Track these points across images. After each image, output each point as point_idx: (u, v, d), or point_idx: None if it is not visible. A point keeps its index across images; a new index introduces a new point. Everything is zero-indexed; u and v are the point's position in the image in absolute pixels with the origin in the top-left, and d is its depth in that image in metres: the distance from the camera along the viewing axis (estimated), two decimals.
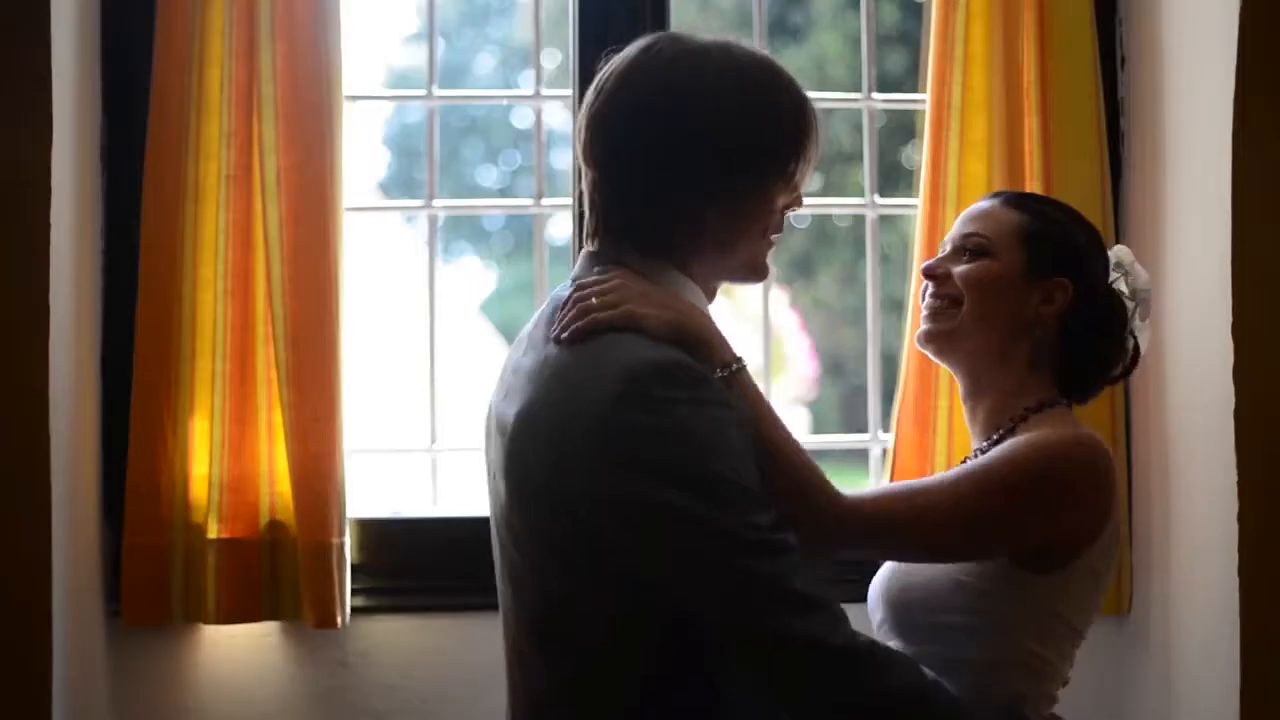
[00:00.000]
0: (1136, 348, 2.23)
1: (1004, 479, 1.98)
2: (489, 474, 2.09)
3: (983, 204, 2.24)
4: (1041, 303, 2.14)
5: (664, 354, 1.87)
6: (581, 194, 2.04)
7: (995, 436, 2.12)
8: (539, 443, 1.90)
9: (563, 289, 2.01)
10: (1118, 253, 2.23)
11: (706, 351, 1.91)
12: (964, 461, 2.11)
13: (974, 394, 2.18)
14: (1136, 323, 2.22)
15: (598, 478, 1.85)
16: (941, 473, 2.21)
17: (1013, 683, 2.02)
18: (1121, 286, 2.21)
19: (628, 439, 1.83)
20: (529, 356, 1.99)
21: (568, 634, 1.93)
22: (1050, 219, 2.19)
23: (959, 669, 2.00)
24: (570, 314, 1.92)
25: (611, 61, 2.02)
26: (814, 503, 1.89)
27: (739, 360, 1.93)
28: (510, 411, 1.96)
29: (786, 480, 1.89)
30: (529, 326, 2.06)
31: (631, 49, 2.01)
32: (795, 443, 1.94)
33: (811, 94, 2.05)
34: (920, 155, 3.20)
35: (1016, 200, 2.23)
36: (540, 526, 1.92)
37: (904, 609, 2.07)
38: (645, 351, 1.87)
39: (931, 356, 2.21)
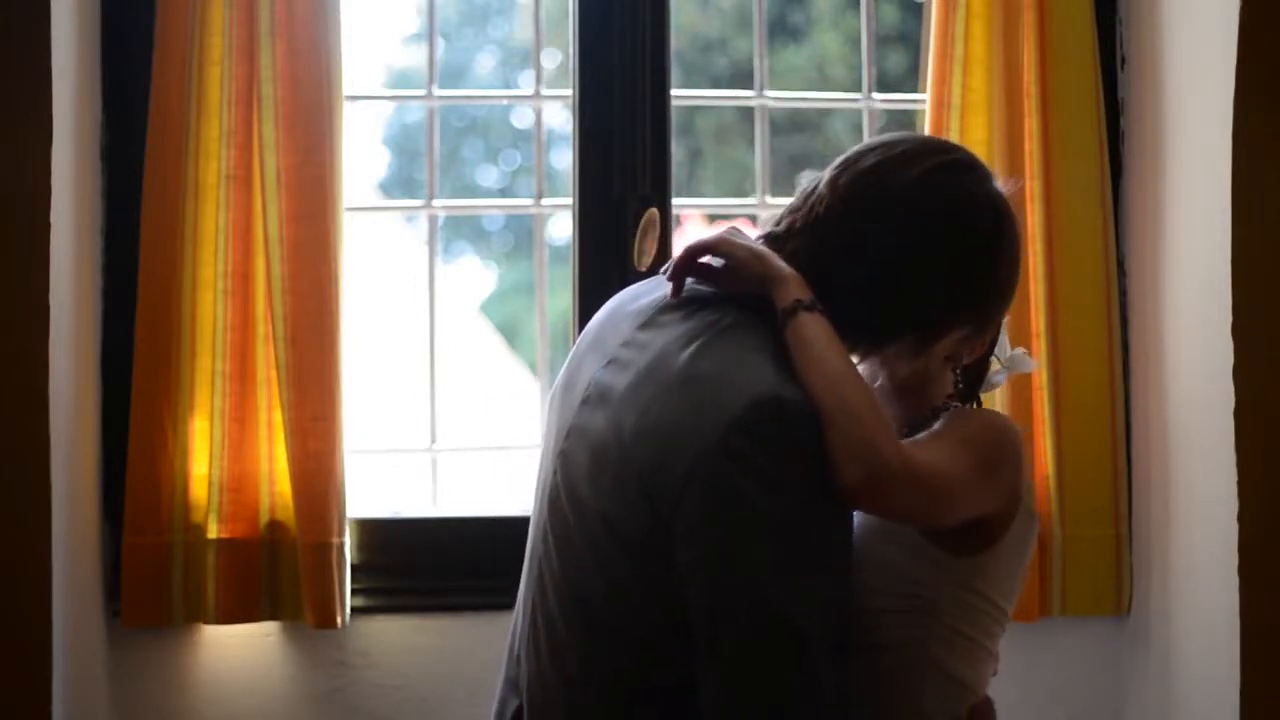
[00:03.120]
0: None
1: (970, 445, 1.99)
2: (555, 434, 2.05)
3: None
4: (968, 350, 2.14)
5: (794, 394, 1.87)
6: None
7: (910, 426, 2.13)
8: (648, 442, 1.88)
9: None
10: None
11: (779, 285, 1.94)
12: None
13: (903, 394, 2.16)
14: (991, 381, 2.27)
15: (688, 490, 1.84)
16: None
17: (943, 661, 2.03)
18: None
19: (730, 466, 1.83)
20: (655, 339, 1.96)
21: (617, 624, 1.92)
22: None
23: (887, 651, 2.02)
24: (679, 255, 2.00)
25: (953, 164, 2.00)
26: (859, 459, 1.86)
27: (810, 303, 1.93)
28: (622, 393, 1.94)
29: (830, 433, 1.87)
30: (648, 299, 2.03)
31: (974, 174, 2.01)
32: (850, 397, 1.89)
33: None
34: None
35: None
36: (617, 513, 1.90)
37: None
38: (777, 388, 1.86)
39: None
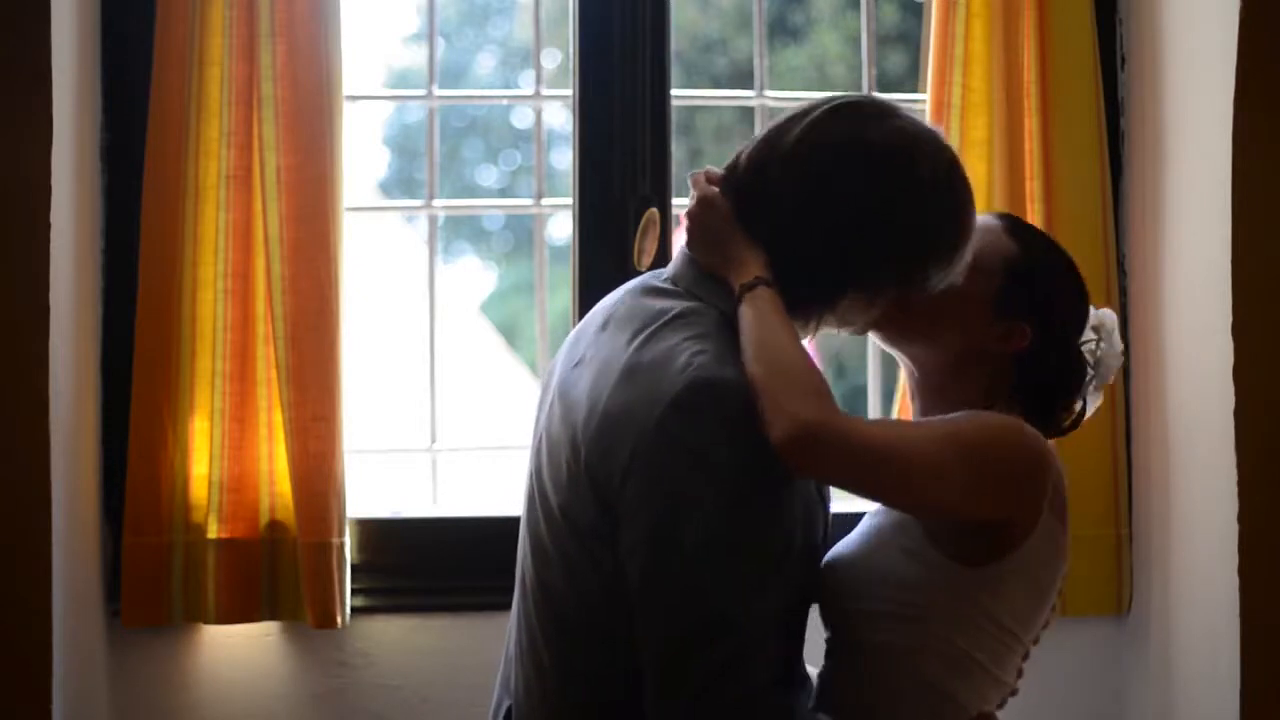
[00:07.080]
0: (1083, 411, 2.20)
1: (957, 433, 1.96)
2: (532, 439, 2.09)
3: (985, 219, 2.15)
4: (998, 339, 2.10)
5: (732, 374, 1.87)
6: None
7: None
8: (596, 435, 1.90)
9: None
10: (1101, 316, 2.20)
11: (736, 268, 1.95)
12: None
13: (925, 393, 2.14)
14: (1090, 389, 2.20)
15: (629, 476, 1.85)
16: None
17: (930, 671, 2.00)
18: (1092, 349, 2.18)
19: (663, 446, 1.84)
20: (610, 337, 1.98)
21: (585, 621, 1.93)
22: (1040, 261, 2.14)
23: (878, 654, 2.01)
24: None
25: (836, 109, 1.99)
26: (782, 416, 1.83)
27: (754, 281, 1.94)
28: (579, 391, 1.96)
29: (760, 398, 1.86)
30: (622, 293, 2.05)
31: (860, 114, 1.98)
32: (780, 361, 1.88)
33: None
34: None
35: (1018, 230, 2.17)
36: (575, 512, 1.92)
37: (831, 596, 2.06)
38: (714, 369, 1.87)
39: (880, 344, 2.18)
